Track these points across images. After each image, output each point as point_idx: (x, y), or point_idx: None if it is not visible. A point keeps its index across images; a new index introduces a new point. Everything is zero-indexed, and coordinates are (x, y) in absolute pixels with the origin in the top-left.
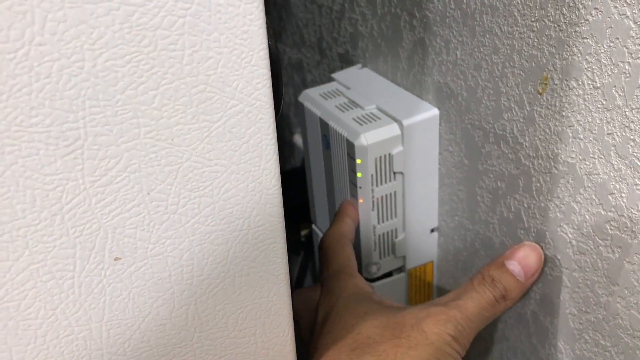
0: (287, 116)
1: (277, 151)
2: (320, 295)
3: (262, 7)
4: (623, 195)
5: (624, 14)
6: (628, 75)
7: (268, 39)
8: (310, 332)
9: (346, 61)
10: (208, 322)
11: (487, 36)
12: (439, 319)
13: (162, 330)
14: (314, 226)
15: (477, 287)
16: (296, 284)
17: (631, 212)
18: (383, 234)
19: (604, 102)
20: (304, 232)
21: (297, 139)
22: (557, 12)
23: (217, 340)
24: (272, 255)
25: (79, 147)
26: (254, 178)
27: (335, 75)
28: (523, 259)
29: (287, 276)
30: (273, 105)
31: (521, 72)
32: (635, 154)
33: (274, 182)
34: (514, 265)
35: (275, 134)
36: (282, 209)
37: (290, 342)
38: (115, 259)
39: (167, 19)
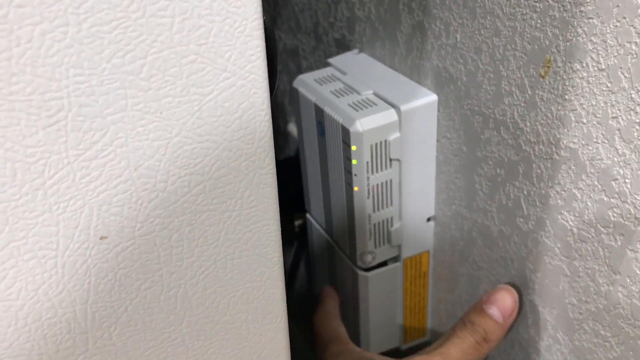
0: (282, 104)
1: (271, 128)
2: None
3: None
4: (627, 181)
5: None
6: (635, 56)
7: (263, 13)
8: None
9: (343, 46)
10: (198, 307)
11: (488, 18)
12: None
13: (150, 314)
14: (308, 215)
15: (458, 333)
16: (289, 275)
17: (635, 198)
18: (378, 222)
19: (609, 85)
20: (297, 223)
21: (292, 128)
22: None
23: (207, 326)
24: (265, 239)
25: (63, 118)
26: (247, 156)
27: (331, 60)
28: (500, 302)
29: (281, 260)
30: (267, 80)
31: (523, 55)
32: None
33: (267, 161)
34: (492, 309)
35: (270, 111)
36: (277, 189)
37: (283, 328)
38: (101, 238)
39: None
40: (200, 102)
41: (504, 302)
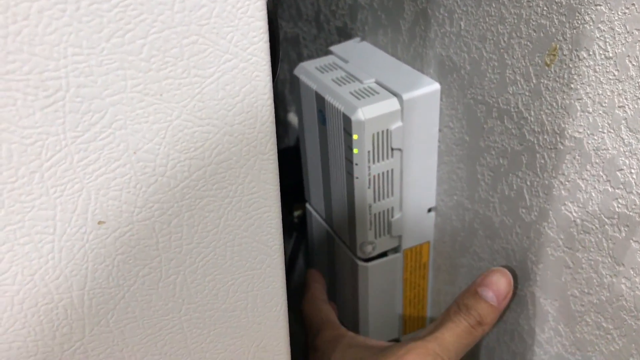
0: (282, 94)
1: (273, 113)
2: (310, 356)
3: None
4: (633, 171)
5: None
6: None
7: None
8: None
9: (344, 35)
10: (197, 294)
11: (494, 5)
12: (419, 353)
13: (148, 301)
14: (308, 205)
15: (453, 317)
16: (288, 267)
17: None
18: (379, 212)
19: (616, 73)
20: (296, 213)
21: (292, 118)
22: None
23: (207, 313)
24: (266, 225)
25: (60, 98)
26: (248, 141)
27: (332, 48)
28: (495, 285)
29: (282, 248)
30: (270, 63)
31: (528, 43)
32: None
33: (269, 146)
34: (486, 292)
35: (272, 95)
36: (278, 176)
37: (283, 316)
38: (99, 223)
39: None
40: (201, 84)
41: (498, 284)
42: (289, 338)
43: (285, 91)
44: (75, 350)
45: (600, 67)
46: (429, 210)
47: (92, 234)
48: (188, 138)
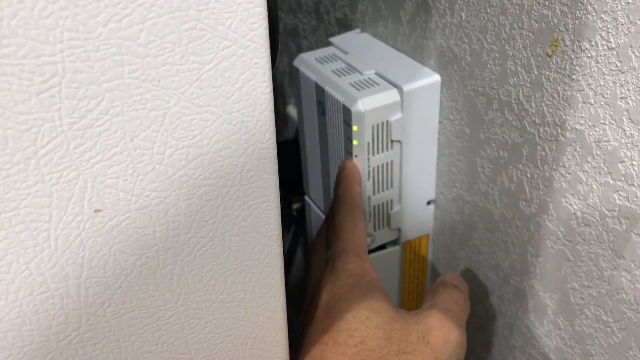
0: (282, 86)
1: (272, 101)
2: (325, 271)
3: None
4: (634, 163)
5: None
6: None
7: None
8: (310, 297)
9: (344, 26)
10: (195, 284)
11: None
12: (442, 326)
13: (145, 291)
14: (306, 197)
15: (448, 291)
16: (286, 260)
17: None
18: (378, 205)
19: (619, 64)
20: (295, 206)
21: (291, 110)
22: None
23: (204, 304)
24: (264, 215)
25: (56, 84)
26: (247, 129)
27: (332, 39)
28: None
29: (280, 239)
30: (269, 50)
31: (530, 34)
32: None
33: (268, 135)
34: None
35: (271, 82)
36: (277, 165)
37: (281, 308)
38: (95, 211)
39: None
40: (200, 70)
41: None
42: (287, 329)
43: (285, 83)
44: (71, 340)
45: (602, 58)
46: (429, 202)
47: (88, 222)
48: (186, 125)
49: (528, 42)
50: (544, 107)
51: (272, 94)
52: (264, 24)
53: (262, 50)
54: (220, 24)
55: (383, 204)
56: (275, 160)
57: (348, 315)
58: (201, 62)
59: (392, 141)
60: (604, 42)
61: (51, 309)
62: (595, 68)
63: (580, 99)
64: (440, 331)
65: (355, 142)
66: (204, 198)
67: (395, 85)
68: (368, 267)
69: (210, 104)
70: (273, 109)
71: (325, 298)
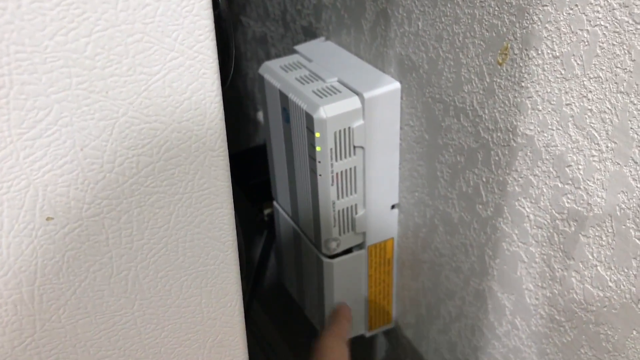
0: (252, 92)
1: (222, 110)
2: None
3: None
4: (580, 167)
5: None
6: (586, 43)
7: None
8: None
9: (310, 34)
10: (150, 289)
11: (449, 5)
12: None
13: (100, 297)
14: (275, 203)
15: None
16: (259, 265)
17: (587, 184)
18: (343, 209)
19: (563, 72)
20: (267, 212)
21: (262, 117)
22: None
23: (160, 309)
24: (218, 221)
25: (4, 95)
26: (197, 138)
27: (298, 47)
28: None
29: (235, 244)
30: (217, 60)
31: (482, 42)
32: (592, 125)
33: (219, 143)
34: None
35: (221, 92)
36: (229, 172)
37: (238, 312)
38: (47, 219)
39: None
40: (147, 81)
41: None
42: (245, 334)
43: (255, 90)
44: (26, 346)
45: (548, 66)
46: (392, 207)
47: (40, 230)
48: (135, 135)
49: (480, 50)
50: (497, 114)
51: (221, 102)
52: (211, 35)
53: (210, 61)
54: (166, 36)
55: (347, 208)
56: (228, 168)
57: None
58: (149, 73)
59: (354, 147)
60: (549, 51)
61: (5, 316)
62: (542, 75)
63: (530, 106)
64: None
65: (318, 149)
66: (156, 205)
67: (356, 93)
68: None
69: (159, 113)
70: (223, 118)
71: None
